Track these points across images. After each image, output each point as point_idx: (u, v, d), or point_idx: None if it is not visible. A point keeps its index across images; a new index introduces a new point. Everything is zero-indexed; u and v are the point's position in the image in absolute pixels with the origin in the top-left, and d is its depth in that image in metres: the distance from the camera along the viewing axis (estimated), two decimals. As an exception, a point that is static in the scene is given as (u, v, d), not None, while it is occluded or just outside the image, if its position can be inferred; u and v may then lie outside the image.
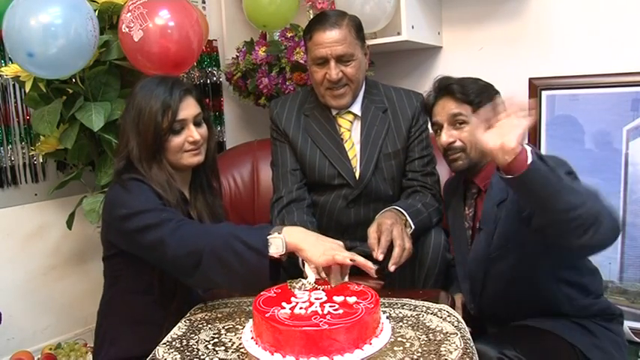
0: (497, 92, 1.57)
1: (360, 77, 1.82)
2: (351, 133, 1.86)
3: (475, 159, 1.55)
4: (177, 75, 2.07)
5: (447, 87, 1.57)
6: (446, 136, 1.55)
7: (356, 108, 1.86)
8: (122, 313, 1.54)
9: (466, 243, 1.64)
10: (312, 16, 2.34)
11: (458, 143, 1.54)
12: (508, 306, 1.55)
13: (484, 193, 1.56)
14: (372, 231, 1.55)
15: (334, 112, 1.86)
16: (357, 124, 1.87)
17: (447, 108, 1.56)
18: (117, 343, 1.52)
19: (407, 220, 1.63)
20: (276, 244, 1.28)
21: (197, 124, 1.54)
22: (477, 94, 1.53)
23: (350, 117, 1.87)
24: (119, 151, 1.54)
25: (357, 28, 1.81)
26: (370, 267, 1.31)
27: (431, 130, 1.74)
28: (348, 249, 1.63)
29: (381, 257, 1.46)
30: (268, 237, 1.28)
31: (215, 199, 1.67)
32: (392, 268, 1.48)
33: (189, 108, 1.52)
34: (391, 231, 1.52)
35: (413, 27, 2.31)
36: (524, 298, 1.51)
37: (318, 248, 1.29)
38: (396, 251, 1.49)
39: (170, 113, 1.47)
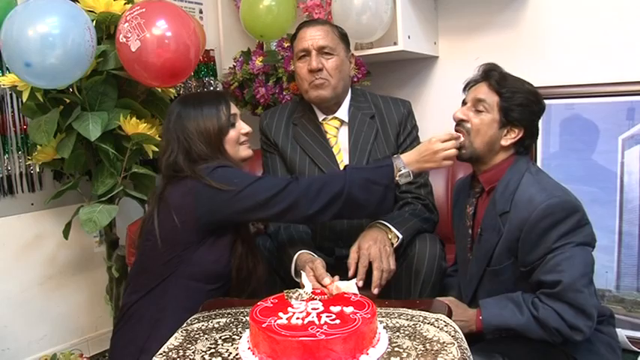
0: (536, 99, 1.53)
1: (341, 76, 1.85)
2: (338, 139, 1.88)
3: (479, 151, 1.53)
4: (174, 84, 2.08)
5: (487, 72, 1.56)
6: (460, 112, 1.55)
7: (342, 114, 1.88)
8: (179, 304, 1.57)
9: (466, 243, 1.64)
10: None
11: (467, 124, 1.53)
12: None
13: (486, 193, 1.56)
14: (352, 250, 1.60)
15: (321, 118, 1.88)
16: (344, 130, 1.88)
17: (477, 91, 1.55)
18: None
19: (392, 230, 1.65)
20: (406, 176, 1.57)
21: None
22: (512, 92, 1.50)
23: (336, 123, 1.88)
24: (173, 157, 1.60)
25: (342, 33, 1.89)
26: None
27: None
28: (344, 257, 1.65)
29: (360, 284, 1.50)
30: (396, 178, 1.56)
31: None
32: (375, 291, 1.52)
33: (234, 106, 1.71)
34: (368, 254, 1.55)
35: (409, 37, 2.33)
36: None
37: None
38: (375, 275, 1.53)
39: (224, 108, 1.65)
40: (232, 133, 1.66)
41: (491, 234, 1.50)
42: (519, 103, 1.50)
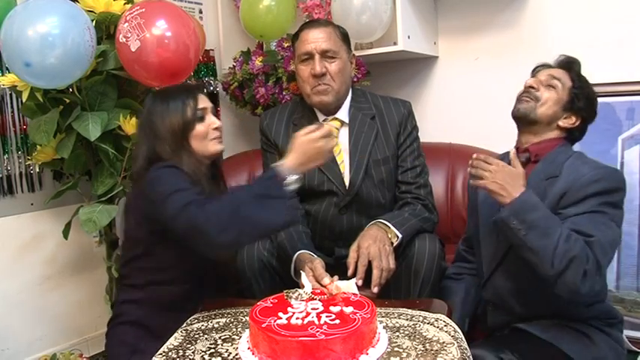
0: (595, 101, 1.62)
1: (343, 79, 1.85)
2: (339, 140, 1.87)
3: (538, 120, 1.57)
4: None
5: (570, 63, 1.64)
6: (533, 81, 1.60)
7: (343, 114, 1.88)
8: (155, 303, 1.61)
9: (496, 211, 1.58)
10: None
11: (536, 93, 1.58)
12: (516, 291, 1.54)
13: (532, 163, 1.58)
14: (352, 250, 1.59)
15: (321, 119, 1.88)
16: (345, 131, 1.88)
17: (554, 71, 1.61)
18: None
19: (392, 230, 1.65)
20: (294, 182, 1.46)
21: (215, 115, 1.69)
22: (586, 85, 1.60)
23: (337, 124, 1.88)
24: (139, 153, 1.62)
25: (344, 34, 1.88)
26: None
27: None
28: (343, 256, 1.65)
29: (360, 283, 1.49)
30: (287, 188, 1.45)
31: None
32: (375, 289, 1.52)
33: (205, 100, 1.68)
34: (367, 254, 1.55)
35: (409, 37, 2.33)
36: (533, 286, 1.49)
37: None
38: (375, 273, 1.53)
39: (192, 102, 1.62)
40: (200, 128, 1.63)
41: None
42: (588, 96, 1.58)
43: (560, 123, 1.58)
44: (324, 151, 1.51)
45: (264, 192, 1.42)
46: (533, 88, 1.59)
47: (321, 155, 1.51)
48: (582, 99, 1.57)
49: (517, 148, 1.64)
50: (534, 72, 1.67)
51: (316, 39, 1.81)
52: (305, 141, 1.48)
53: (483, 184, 1.44)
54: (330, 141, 1.51)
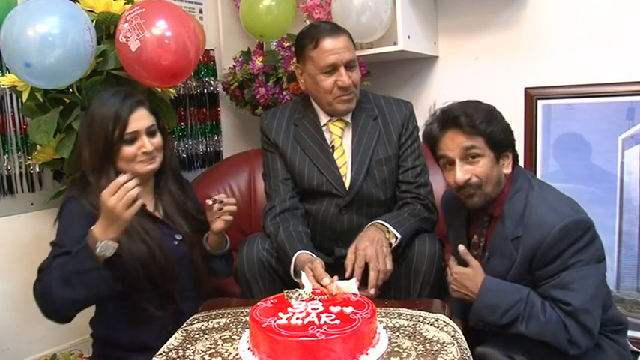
0: (501, 116, 1.49)
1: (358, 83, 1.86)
2: (343, 140, 1.88)
3: (492, 194, 1.48)
4: (174, 84, 2.08)
5: (453, 119, 1.46)
6: (461, 173, 1.44)
7: (347, 116, 1.88)
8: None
9: None
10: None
11: (474, 180, 1.44)
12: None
13: (496, 219, 1.52)
14: (350, 251, 1.59)
15: (325, 120, 1.88)
16: (349, 132, 1.89)
17: (457, 141, 1.45)
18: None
19: (390, 230, 1.65)
20: (105, 248, 1.40)
21: (150, 135, 1.60)
22: (487, 123, 1.44)
23: (341, 124, 1.88)
24: (74, 162, 1.61)
25: (351, 36, 1.87)
26: None
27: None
28: (343, 256, 1.65)
29: (357, 284, 1.48)
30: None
31: (187, 198, 1.76)
32: (372, 291, 1.51)
33: (141, 120, 1.59)
34: (364, 255, 1.55)
35: (409, 37, 2.33)
36: None
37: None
38: (372, 275, 1.53)
39: (121, 124, 1.54)
40: (129, 150, 1.56)
41: (501, 259, 1.48)
42: (501, 130, 1.46)
43: (506, 171, 1.49)
44: (119, 210, 1.36)
45: (76, 268, 1.41)
46: (468, 181, 1.45)
47: (117, 214, 1.36)
48: (499, 134, 1.45)
49: (470, 213, 1.60)
50: (437, 151, 1.52)
51: (340, 49, 1.78)
52: (101, 203, 1.38)
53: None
54: (125, 194, 1.36)
